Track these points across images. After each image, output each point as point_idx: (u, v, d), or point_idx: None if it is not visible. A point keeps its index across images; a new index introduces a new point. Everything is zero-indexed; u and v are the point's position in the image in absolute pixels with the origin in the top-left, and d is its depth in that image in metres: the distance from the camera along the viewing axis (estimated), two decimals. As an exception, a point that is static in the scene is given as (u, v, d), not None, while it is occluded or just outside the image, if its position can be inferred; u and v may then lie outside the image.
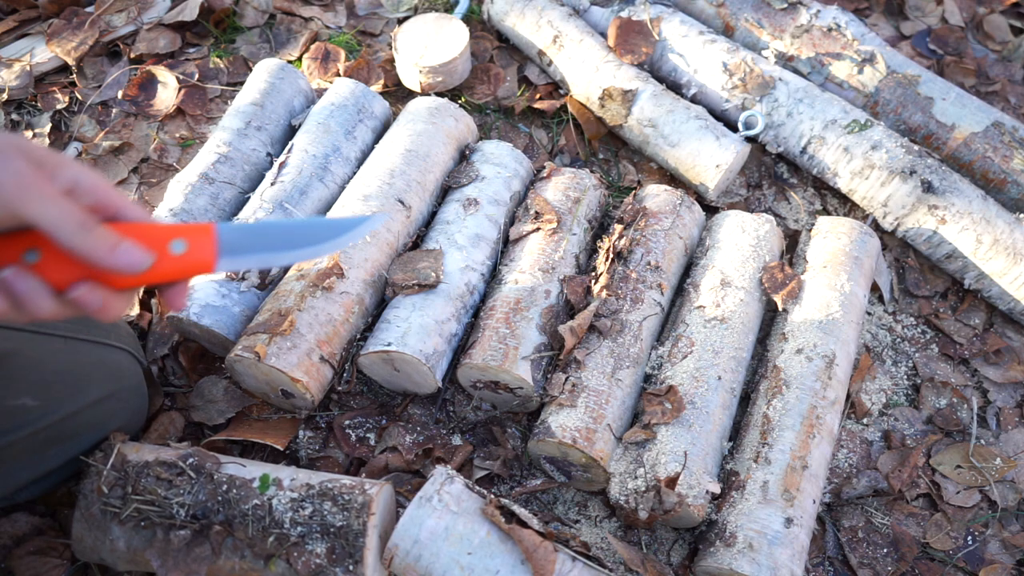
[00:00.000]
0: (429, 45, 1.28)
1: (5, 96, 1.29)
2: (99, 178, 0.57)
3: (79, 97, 1.33)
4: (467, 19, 1.43)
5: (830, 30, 1.28)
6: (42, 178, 0.53)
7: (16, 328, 0.78)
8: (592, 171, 1.25)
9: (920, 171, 1.14)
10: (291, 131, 1.22)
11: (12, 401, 0.76)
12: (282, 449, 0.99)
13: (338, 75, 1.35)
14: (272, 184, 1.10)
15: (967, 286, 1.18)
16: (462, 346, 1.05)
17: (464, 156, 1.20)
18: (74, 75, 1.34)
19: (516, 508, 0.84)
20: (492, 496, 0.85)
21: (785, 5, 1.31)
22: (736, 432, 1.01)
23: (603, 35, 1.33)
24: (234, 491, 0.82)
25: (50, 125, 1.29)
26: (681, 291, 1.11)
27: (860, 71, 1.26)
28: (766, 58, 1.29)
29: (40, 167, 0.54)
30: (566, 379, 0.97)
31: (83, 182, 0.56)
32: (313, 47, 1.38)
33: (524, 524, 0.83)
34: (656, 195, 1.13)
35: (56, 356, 0.81)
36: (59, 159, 0.56)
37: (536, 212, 1.10)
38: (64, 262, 0.55)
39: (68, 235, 0.53)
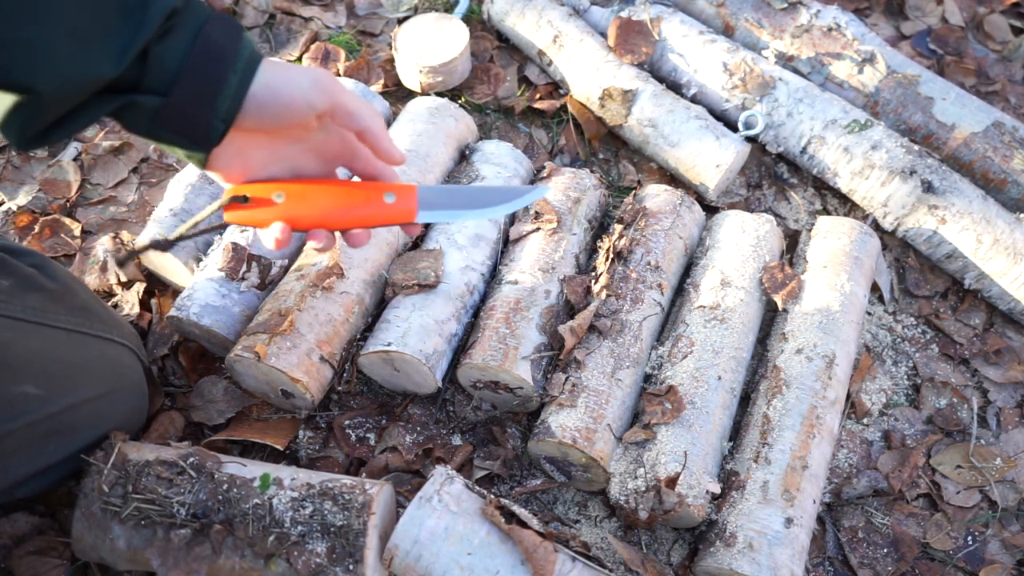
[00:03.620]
0: (429, 45, 1.28)
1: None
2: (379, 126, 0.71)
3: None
4: (467, 19, 1.43)
5: (830, 30, 1.28)
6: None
7: (18, 318, 0.78)
8: (592, 171, 1.25)
9: (920, 171, 1.14)
10: (291, 131, 1.22)
11: (14, 389, 0.76)
12: (282, 449, 0.99)
13: (338, 75, 1.35)
14: (272, 184, 1.10)
15: (967, 286, 1.18)
16: (462, 346, 1.05)
17: (464, 156, 1.20)
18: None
19: (516, 508, 0.84)
20: (492, 496, 0.85)
21: (785, 5, 1.31)
22: (736, 432, 1.01)
23: (603, 35, 1.33)
24: (235, 490, 0.82)
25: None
26: (681, 291, 1.11)
27: (860, 71, 1.26)
28: (766, 58, 1.29)
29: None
30: (566, 379, 0.97)
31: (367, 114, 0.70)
32: (313, 47, 1.38)
33: (524, 524, 0.83)
34: (656, 195, 1.13)
35: (58, 347, 0.81)
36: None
37: (536, 212, 1.10)
38: (302, 206, 0.69)
39: (371, 119, 0.68)
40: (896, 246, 1.24)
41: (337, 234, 0.76)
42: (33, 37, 0.50)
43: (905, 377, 1.14)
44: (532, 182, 1.19)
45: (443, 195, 0.76)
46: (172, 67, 0.57)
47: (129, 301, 1.11)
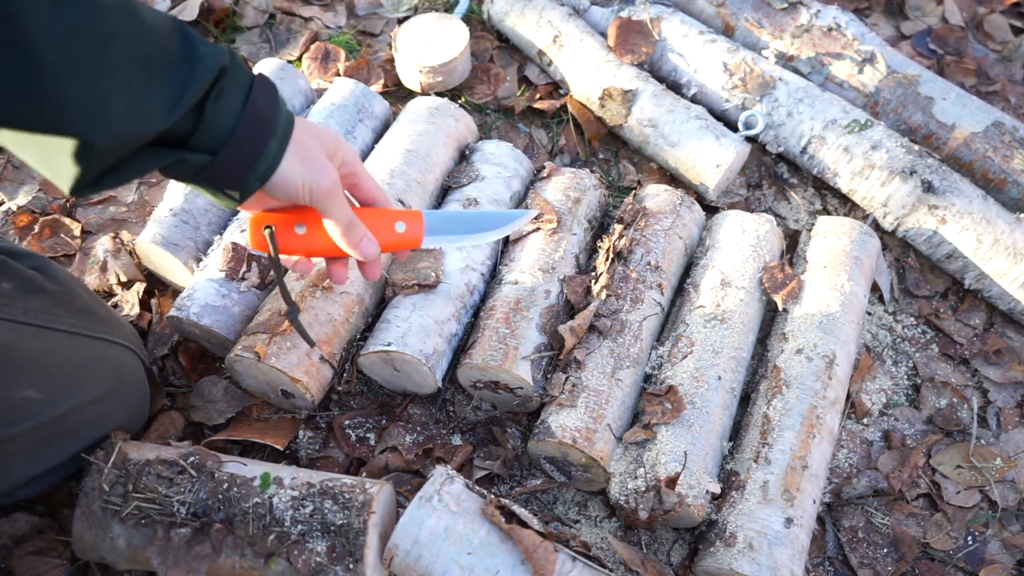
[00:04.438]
0: (429, 45, 1.28)
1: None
2: (359, 164, 0.77)
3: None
4: (467, 19, 1.43)
5: (830, 30, 1.28)
6: (339, 184, 0.71)
7: (20, 322, 0.78)
8: (592, 171, 1.25)
9: (920, 171, 1.14)
10: (291, 131, 1.22)
11: (16, 393, 0.76)
12: (282, 449, 0.99)
13: (338, 75, 1.35)
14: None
15: (967, 286, 1.18)
16: (462, 346, 1.05)
17: (464, 156, 1.20)
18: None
19: (516, 508, 0.84)
20: (492, 496, 0.85)
21: (785, 5, 1.31)
22: (736, 432, 1.01)
23: (603, 35, 1.34)
24: (235, 489, 0.82)
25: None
26: (681, 291, 1.11)
27: (860, 71, 1.26)
28: (766, 58, 1.29)
29: (332, 157, 0.71)
30: (566, 379, 0.97)
31: (349, 161, 0.75)
32: (313, 47, 1.38)
33: (524, 524, 0.83)
34: (656, 195, 1.13)
35: (59, 349, 0.81)
36: (336, 141, 0.73)
37: (536, 212, 1.10)
38: (322, 238, 0.75)
39: (343, 226, 0.73)
40: (896, 246, 1.24)
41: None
42: (93, 91, 0.53)
43: (905, 377, 1.14)
44: (532, 182, 1.19)
45: (445, 221, 0.84)
46: (224, 130, 0.61)
47: (129, 301, 1.11)
